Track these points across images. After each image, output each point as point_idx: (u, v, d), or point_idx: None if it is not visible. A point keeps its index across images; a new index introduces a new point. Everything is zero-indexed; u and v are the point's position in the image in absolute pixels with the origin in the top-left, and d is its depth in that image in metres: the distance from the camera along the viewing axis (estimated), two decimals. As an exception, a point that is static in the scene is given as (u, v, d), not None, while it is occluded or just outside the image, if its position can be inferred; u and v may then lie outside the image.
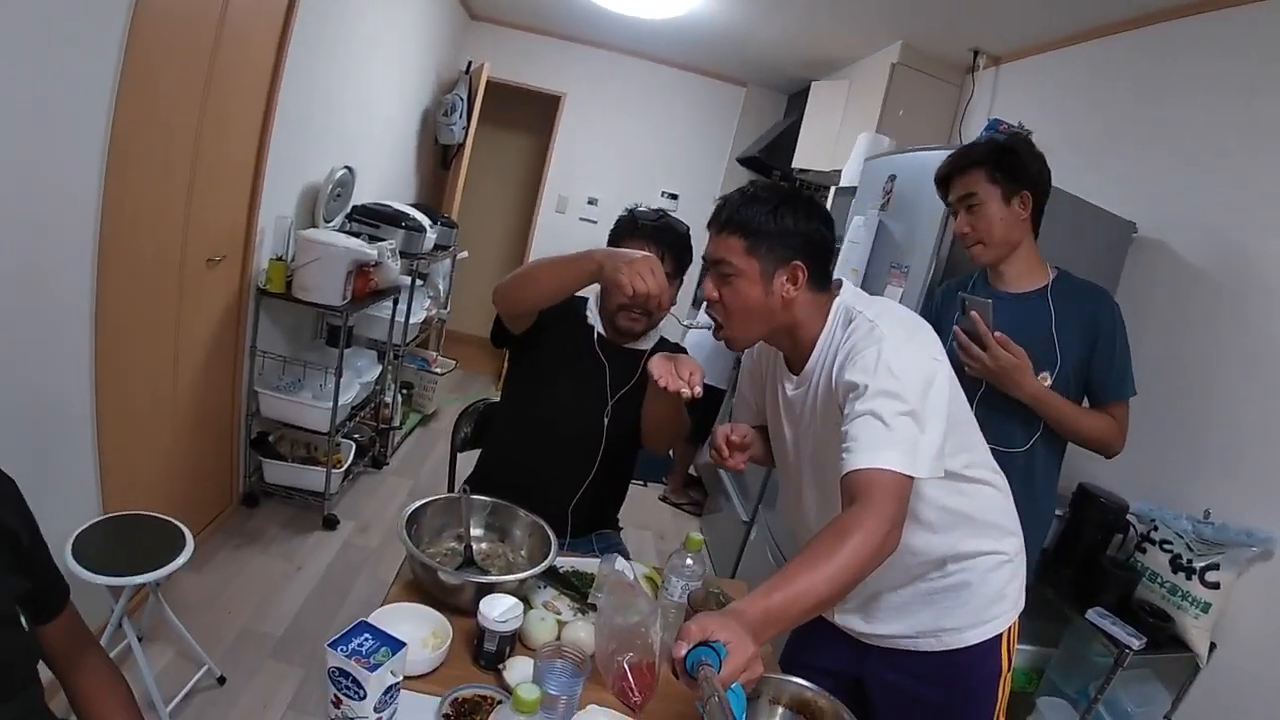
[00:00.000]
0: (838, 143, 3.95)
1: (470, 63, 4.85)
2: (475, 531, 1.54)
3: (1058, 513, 2.00)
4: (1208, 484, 1.88)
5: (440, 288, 4.65)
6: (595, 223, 5.54)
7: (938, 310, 1.86)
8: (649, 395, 1.64)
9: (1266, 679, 1.65)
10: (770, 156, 4.76)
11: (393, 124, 4.14)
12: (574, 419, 1.77)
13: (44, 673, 1.01)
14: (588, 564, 1.55)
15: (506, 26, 5.28)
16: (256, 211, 2.66)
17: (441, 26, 4.61)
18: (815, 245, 1.22)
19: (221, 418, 2.78)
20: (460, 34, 5.09)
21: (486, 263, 5.99)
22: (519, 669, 1.17)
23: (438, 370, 4.54)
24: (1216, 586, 1.72)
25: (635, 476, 1.99)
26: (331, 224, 3.15)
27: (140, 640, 1.88)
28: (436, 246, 3.82)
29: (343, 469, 3.15)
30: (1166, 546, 1.82)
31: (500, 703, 1.10)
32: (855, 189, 2.86)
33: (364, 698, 0.96)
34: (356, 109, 3.47)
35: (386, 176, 4.17)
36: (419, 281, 3.87)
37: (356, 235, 3.08)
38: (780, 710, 1.20)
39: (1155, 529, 1.87)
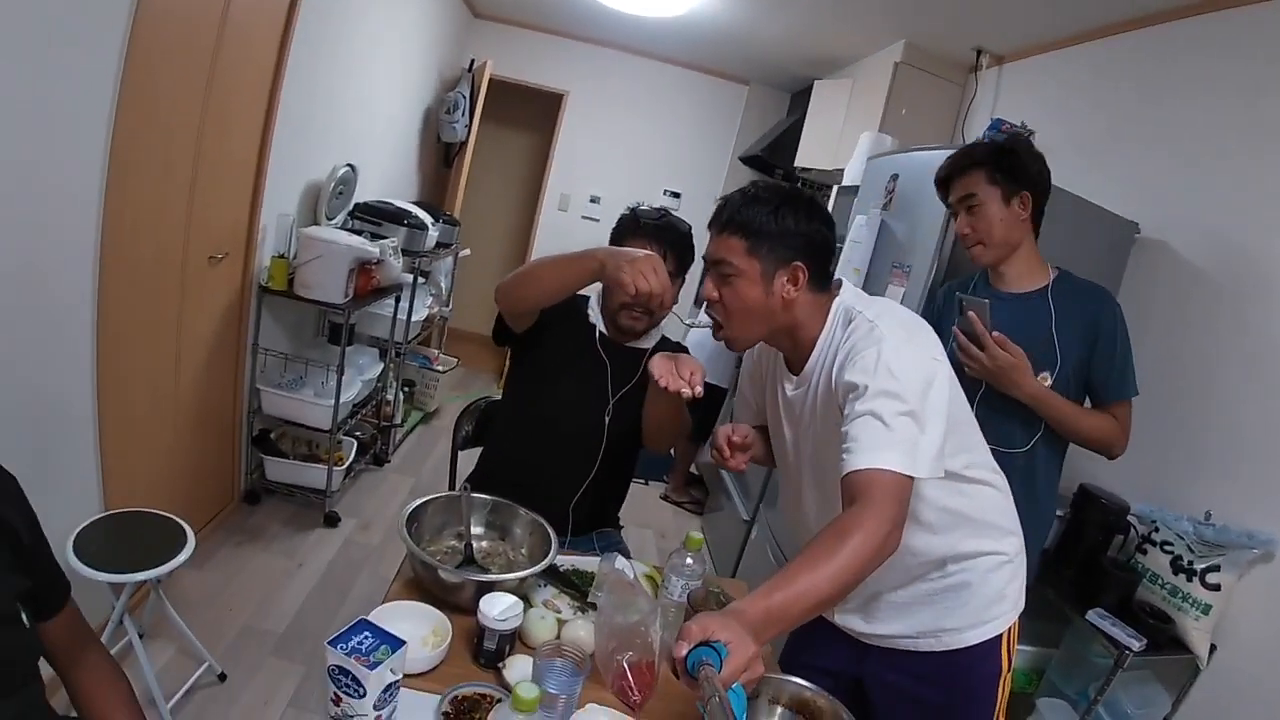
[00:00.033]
0: (840, 142, 3.95)
1: (473, 60, 4.85)
2: (476, 530, 1.54)
3: (1059, 513, 2.00)
4: (1209, 485, 1.88)
5: (442, 285, 4.65)
6: (597, 221, 5.54)
7: (939, 311, 1.86)
8: (650, 395, 1.64)
9: (1267, 681, 1.65)
10: (773, 155, 4.76)
11: (395, 122, 4.14)
12: (575, 417, 1.77)
13: (45, 670, 1.01)
14: (588, 562, 1.55)
15: (509, 24, 5.27)
16: (259, 209, 2.66)
17: (444, 24, 4.61)
18: (816, 246, 1.22)
19: (223, 415, 2.79)
20: (463, 32, 5.09)
21: (488, 261, 5.99)
22: (519, 667, 1.17)
23: (439, 368, 4.54)
24: (1217, 588, 1.71)
25: (636, 475, 1.99)
26: (334, 222, 3.15)
27: (141, 637, 1.89)
28: (438, 244, 3.83)
29: (344, 466, 3.16)
30: (1167, 548, 1.82)
31: (500, 701, 1.10)
32: (857, 188, 2.85)
33: (364, 695, 0.96)
34: (359, 107, 3.47)
35: (389, 174, 4.17)
36: (421, 279, 3.87)
37: (359, 233, 3.08)
38: (780, 710, 1.20)
39: (1156, 530, 1.87)
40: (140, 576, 1.75)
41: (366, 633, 1.02)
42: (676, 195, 5.54)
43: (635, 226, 1.72)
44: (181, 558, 1.83)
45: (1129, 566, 1.91)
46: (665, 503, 4.24)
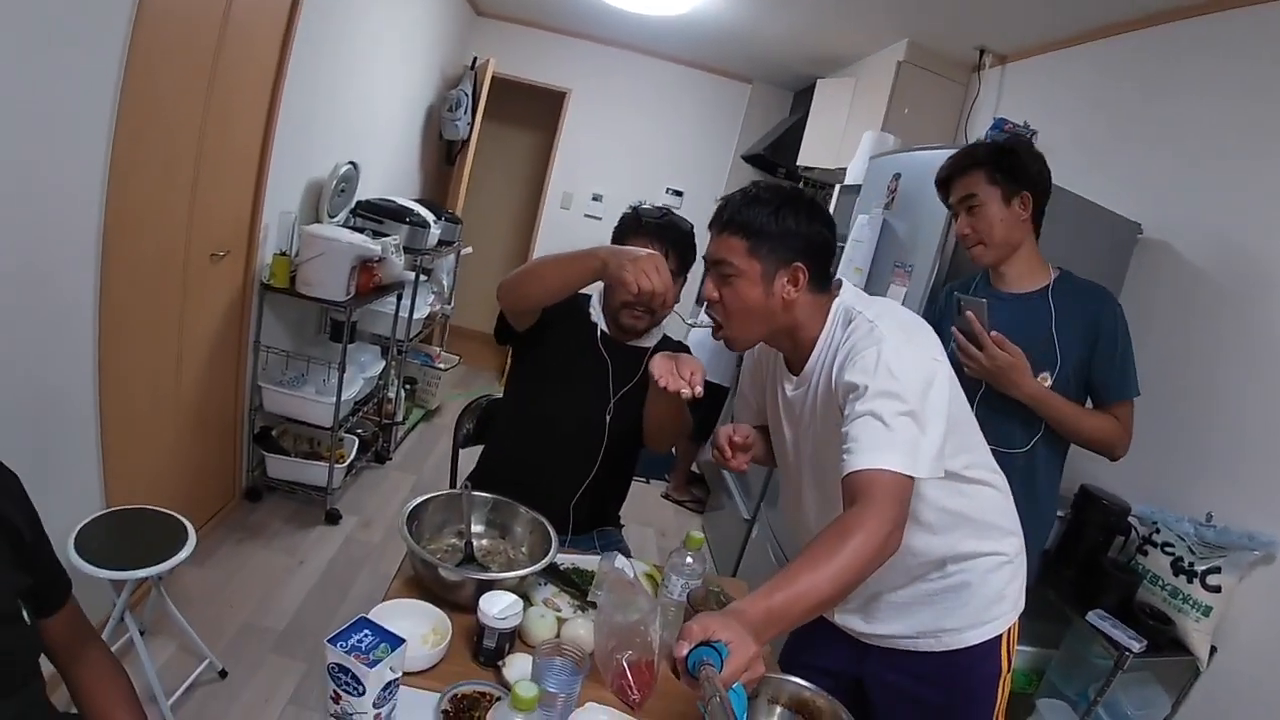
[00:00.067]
0: (843, 140, 3.94)
1: (475, 58, 4.85)
2: (476, 528, 1.54)
3: (1059, 514, 1.99)
4: (1210, 487, 1.88)
5: (444, 283, 4.65)
6: (600, 219, 5.54)
7: (941, 312, 1.85)
8: (650, 394, 1.64)
9: (1267, 683, 1.65)
10: (775, 154, 4.75)
11: (397, 119, 4.14)
12: (576, 416, 1.77)
13: (46, 667, 1.02)
14: (588, 561, 1.55)
15: (512, 22, 5.27)
16: (260, 207, 2.66)
17: (447, 22, 4.61)
18: (816, 247, 1.22)
19: (225, 413, 2.79)
20: (465, 29, 5.09)
21: (491, 258, 5.99)
22: (518, 666, 1.17)
23: (441, 366, 4.54)
24: (1218, 590, 1.71)
25: (637, 473, 1.99)
26: (336, 219, 3.15)
27: (142, 634, 1.89)
28: (441, 242, 3.83)
29: (345, 464, 3.16)
30: (1168, 549, 1.82)
31: (499, 700, 1.10)
32: (860, 187, 2.85)
33: (363, 693, 0.97)
34: (361, 104, 3.47)
35: (391, 172, 4.17)
36: (423, 277, 3.87)
37: (360, 231, 3.08)
38: (779, 710, 1.20)
39: (1157, 531, 1.87)
40: (141, 574, 1.75)
41: (366, 631, 1.02)
42: (679, 194, 5.54)
43: (637, 225, 1.72)
44: (182, 555, 1.83)
45: (1129, 567, 1.91)
46: (666, 501, 4.24)
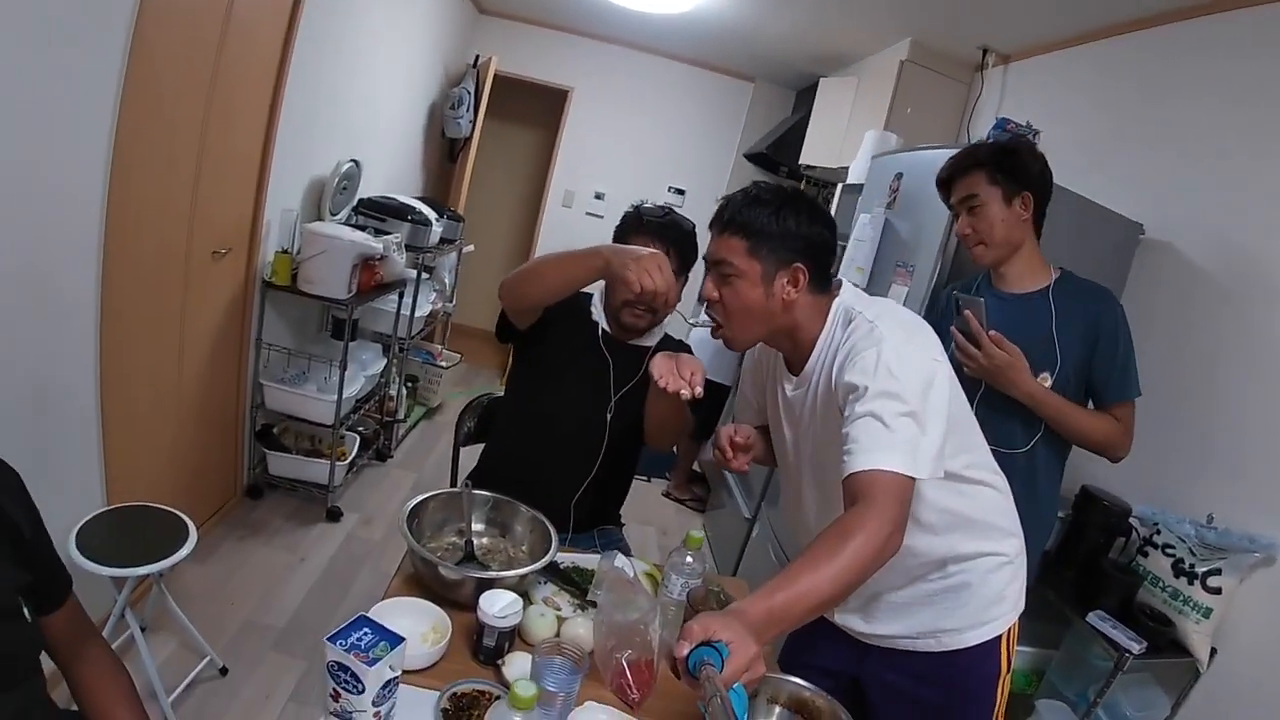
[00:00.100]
0: (845, 139, 3.94)
1: (478, 56, 4.85)
2: (476, 526, 1.54)
3: (1060, 514, 1.99)
4: (1211, 488, 1.88)
5: (446, 281, 4.65)
6: (601, 217, 5.54)
7: (943, 313, 1.85)
8: (651, 394, 1.64)
9: (1268, 685, 1.65)
10: (777, 152, 4.75)
11: (399, 117, 4.14)
12: (577, 415, 1.77)
13: (46, 663, 1.02)
14: (588, 560, 1.55)
15: (514, 20, 5.27)
16: (262, 204, 2.66)
17: (449, 20, 4.61)
18: (817, 248, 1.22)
19: (226, 410, 2.80)
20: (468, 27, 5.09)
21: (492, 256, 5.99)
22: (518, 664, 1.18)
23: (443, 364, 4.54)
24: (1218, 592, 1.71)
25: (639, 472, 1.99)
26: (337, 217, 3.15)
27: (143, 631, 1.90)
28: (442, 240, 3.83)
29: (347, 461, 3.16)
30: (1169, 550, 1.82)
31: (498, 698, 1.10)
32: (862, 186, 2.85)
33: (362, 692, 0.97)
34: (363, 102, 3.47)
35: (393, 170, 4.17)
36: (425, 275, 3.87)
37: (362, 228, 3.09)
38: (778, 709, 1.20)
39: (1158, 532, 1.87)
40: (142, 571, 1.76)
41: (366, 629, 1.02)
42: (681, 192, 5.54)
43: (639, 224, 1.72)
44: (183, 552, 1.83)
45: (1130, 569, 1.91)
46: (667, 500, 4.24)
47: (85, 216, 1.81)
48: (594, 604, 1.38)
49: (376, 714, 0.99)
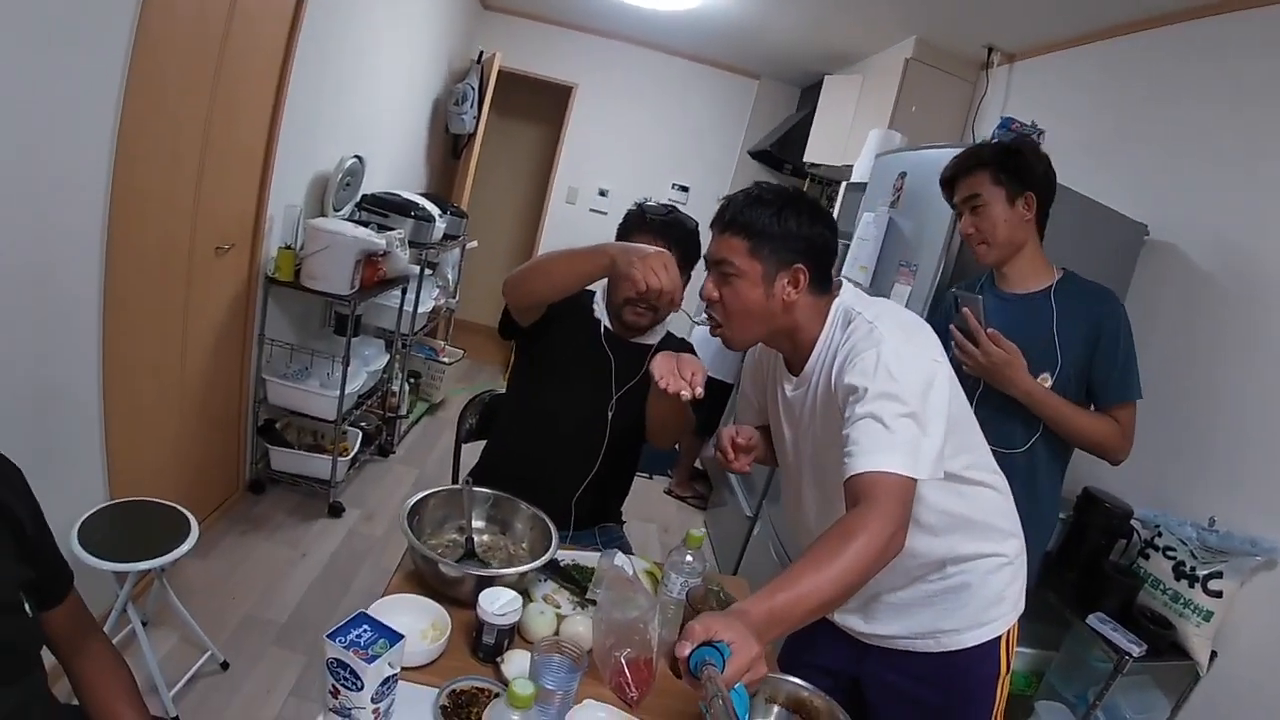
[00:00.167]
0: (850, 138, 3.93)
1: (482, 52, 4.84)
2: (477, 524, 1.54)
3: (1061, 516, 1.99)
4: (1213, 491, 1.87)
5: (449, 277, 4.65)
6: (605, 214, 5.53)
7: (946, 314, 1.85)
8: (652, 394, 1.63)
9: (1268, 688, 1.64)
10: (782, 150, 4.74)
11: (403, 113, 4.14)
12: (578, 413, 1.77)
13: (47, 658, 1.02)
14: (588, 557, 1.55)
15: (519, 16, 5.26)
16: (266, 200, 2.66)
17: (453, 16, 4.61)
18: (818, 249, 1.22)
19: (229, 405, 2.80)
20: (472, 23, 5.08)
21: (496, 253, 5.99)
22: (517, 662, 1.18)
23: (445, 360, 4.55)
24: (1219, 595, 1.71)
25: (640, 469, 1.99)
26: (341, 213, 3.15)
27: (145, 625, 1.91)
28: (446, 236, 3.83)
29: (349, 457, 3.17)
30: (1170, 553, 1.81)
31: (497, 695, 1.10)
32: (866, 185, 2.84)
33: (361, 689, 0.97)
34: (367, 98, 3.47)
35: (396, 166, 4.17)
36: (428, 271, 3.88)
37: (366, 224, 3.08)
38: (776, 709, 1.20)
39: (1159, 535, 1.86)
40: (144, 565, 1.77)
41: (365, 626, 1.02)
42: (685, 189, 5.53)
43: (642, 222, 1.72)
44: (185, 547, 1.84)
45: (1131, 571, 1.91)
46: (669, 497, 4.24)
47: (88, 212, 1.81)
48: (593, 602, 1.39)
49: (375, 711, 0.99)
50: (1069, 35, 2.88)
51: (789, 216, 1.19)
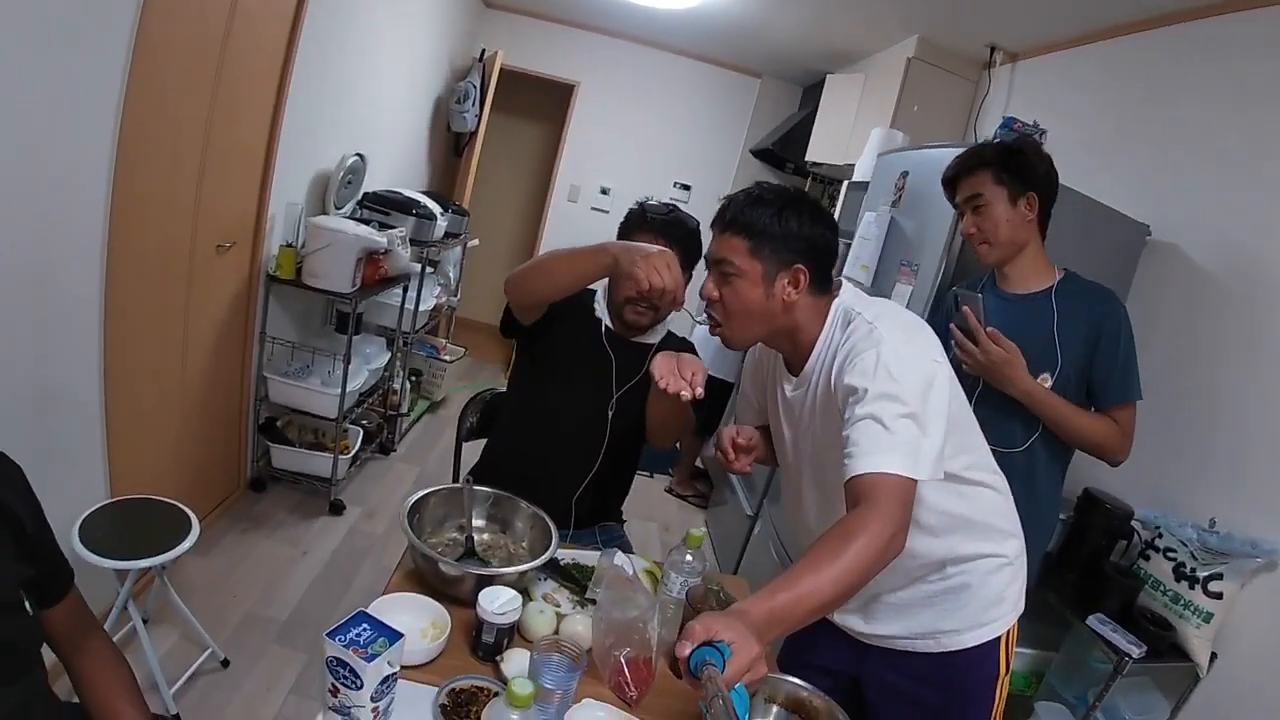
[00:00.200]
0: (852, 137, 3.92)
1: (484, 50, 4.84)
2: (477, 522, 1.54)
3: (1061, 516, 1.99)
4: (1214, 492, 1.87)
5: (450, 275, 4.65)
6: (607, 212, 5.53)
7: (948, 313, 1.85)
8: (652, 394, 1.63)
9: (1268, 690, 1.64)
10: (784, 149, 4.73)
11: (405, 111, 4.14)
12: (578, 412, 1.77)
13: (48, 656, 1.02)
14: (589, 556, 1.56)
15: (521, 14, 5.26)
16: (267, 198, 2.66)
17: (455, 14, 4.60)
18: (819, 249, 1.22)
19: (230, 403, 2.80)
20: (474, 21, 5.08)
21: (497, 251, 5.99)
22: (516, 661, 1.18)
23: (447, 358, 4.55)
24: (1219, 596, 1.71)
25: (641, 468, 2.00)
26: (342, 211, 3.15)
27: (145, 623, 1.91)
28: (447, 234, 3.83)
29: (350, 455, 3.17)
30: (1170, 554, 1.81)
31: (497, 694, 1.10)
32: (868, 184, 2.84)
33: (360, 687, 0.97)
34: (368, 96, 3.47)
35: (398, 164, 4.17)
36: (429, 269, 3.88)
37: (367, 222, 3.09)
38: (775, 709, 1.20)
39: (1160, 536, 1.86)
40: (145, 563, 1.77)
41: (365, 625, 1.02)
42: (687, 188, 5.52)
43: (643, 221, 1.72)
44: (186, 545, 1.84)
45: (1131, 572, 1.91)
46: (670, 496, 4.24)
47: (89, 211, 1.81)
48: (593, 601, 1.39)
49: (375, 709, 0.99)
50: (1071, 35, 2.88)
51: (790, 217, 1.19)
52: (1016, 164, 1.63)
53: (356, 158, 3.12)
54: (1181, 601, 1.76)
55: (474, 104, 4.61)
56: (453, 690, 1.11)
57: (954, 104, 3.57)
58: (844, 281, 1.28)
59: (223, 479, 2.87)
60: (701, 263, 1.55)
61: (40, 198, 1.64)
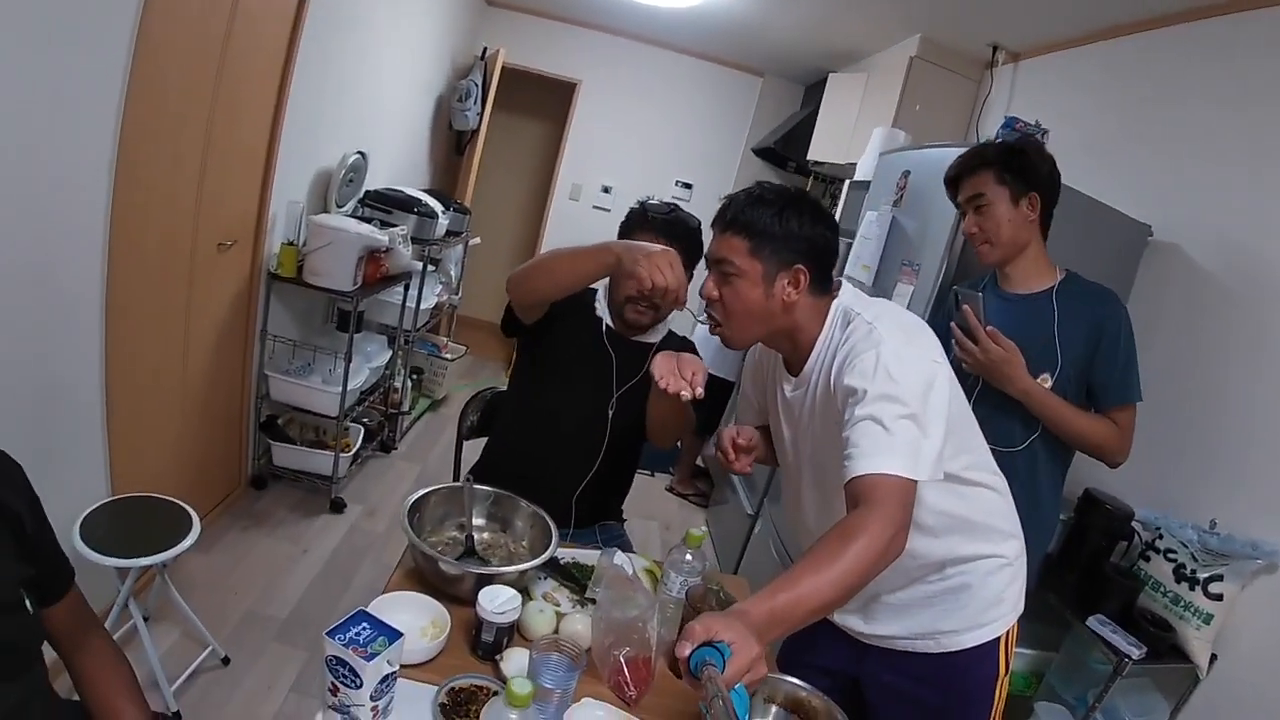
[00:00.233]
0: (854, 136, 3.92)
1: (486, 48, 4.84)
2: (477, 521, 1.54)
3: (1062, 517, 1.99)
4: (1215, 493, 1.86)
5: (452, 273, 4.65)
6: (609, 211, 5.52)
7: (949, 313, 1.84)
8: (652, 394, 1.63)
9: (1268, 692, 1.64)
10: (786, 148, 4.73)
11: (406, 109, 4.14)
12: (579, 411, 1.78)
13: (48, 654, 1.03)
14: (588, 556, 1.56)
15: (523, 12, 5.26)
16: (268, 197, 2.66)
17: (457, 12, 4.60)
18: (819, 250, 1.22)
19: (231, 401, 2.81)
20: (476, 19, 5.08)
21: (499, 249, 5.99)
22: (516, 660, 1.18)
23: (448, 356, 4.55)
24: (1219, 598, 1.70)
25: (642, 466, 2.00)
26: (344, 209, 3.15)
27: (146, 621, 1.91)
28: (449, 232, 3.83)
29: (351, 453, 3.17)
30: (1171, 555, 1.81)
31: (496, 693, 1.10)
32: (869, 183, 2.84)
33: (360, 686, 0.97)
34: (370, 94, 3.47)
35: (400, 162, 4.17)
36: (430, 267, 3.88)
37: (368, 221, 3.09)
38: (774, 709, 1.20)
39: (1160, 537, 1.86)
40: (145, 561, 1.77)
41: (364, 624, 1.03)
42: (688, 186, 5.52)
43: (644, 220, 1.72)
44: (186, 543, 1.84)
45: (1131, 573, 1.90)
46: (670, 495, 4.24)
47: (91, 210, 1.81)
48: (593, 601, 1.39)
49: (374, 708, 1.00)
50: (1074, 35, 2.87)
51: (790, 217, 1.19)
52: (1019, 164, 1.63)
53: (358, 156, 3.12)
54: (1182, 603, 1.76)
55: (475, 102, 4.61)
56: (452, 689, 1.11)
57: (956, 103, 3.56)
58: (844, 282, 1.28)
59: (223, 477, 2.87)
60: (702, 262, 1.55)
61: (41, 197, 1.64)
